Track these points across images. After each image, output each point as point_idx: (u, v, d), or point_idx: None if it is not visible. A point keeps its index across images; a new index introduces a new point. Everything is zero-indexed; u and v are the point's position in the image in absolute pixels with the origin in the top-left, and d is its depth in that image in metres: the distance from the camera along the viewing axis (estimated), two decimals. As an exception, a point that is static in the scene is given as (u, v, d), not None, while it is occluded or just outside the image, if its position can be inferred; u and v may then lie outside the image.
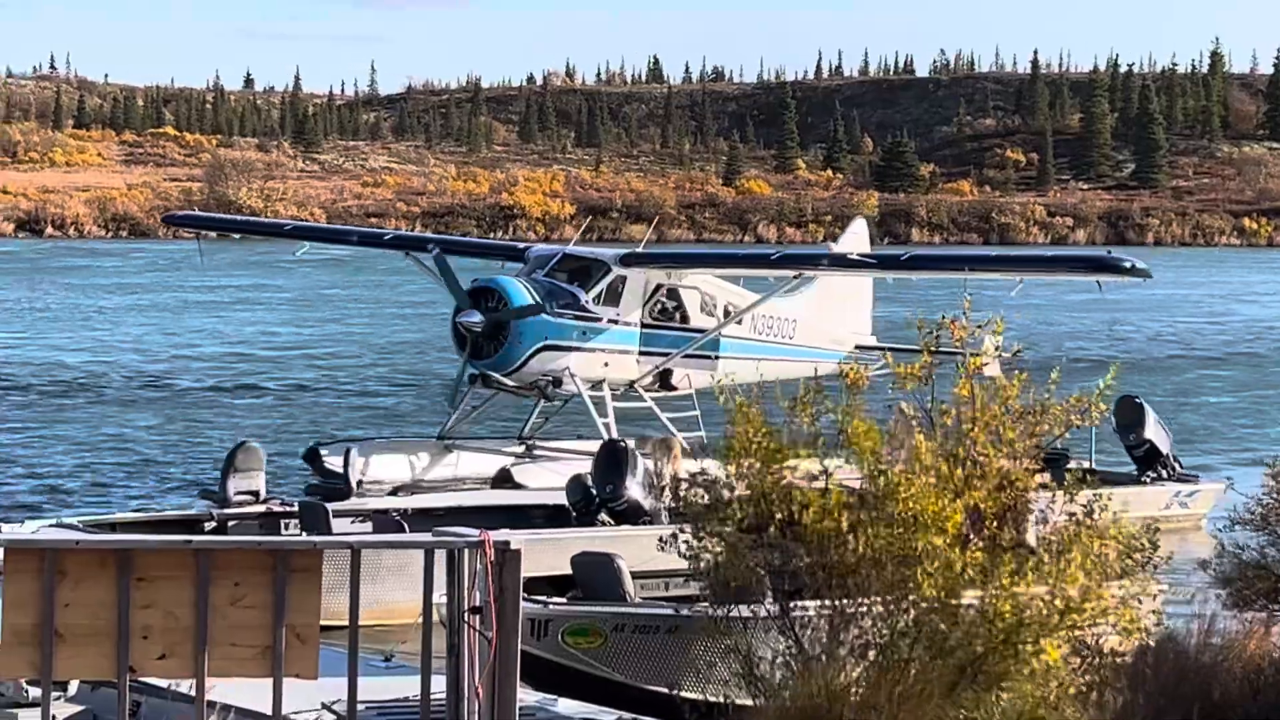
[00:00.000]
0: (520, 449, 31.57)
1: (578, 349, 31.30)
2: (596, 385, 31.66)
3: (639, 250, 33.81)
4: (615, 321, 31.96)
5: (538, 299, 30.52)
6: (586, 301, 31.52)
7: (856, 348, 35.48)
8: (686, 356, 32.63)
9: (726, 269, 34.40)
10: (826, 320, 36.05)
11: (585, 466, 29.46)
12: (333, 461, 29.55)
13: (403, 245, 36.93)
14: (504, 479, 29.40)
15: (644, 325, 32.42)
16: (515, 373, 30.78)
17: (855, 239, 38.07)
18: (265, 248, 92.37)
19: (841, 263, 33.54)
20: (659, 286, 32.71)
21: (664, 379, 32.76)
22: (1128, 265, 30.10)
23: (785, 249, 35.38)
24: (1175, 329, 74.70)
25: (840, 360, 34.60)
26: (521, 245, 35.43)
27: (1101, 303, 54.63)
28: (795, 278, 32.84)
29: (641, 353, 32.42)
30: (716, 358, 33.34)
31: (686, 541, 15.17)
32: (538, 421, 32.47)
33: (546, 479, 28.87)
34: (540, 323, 30.54)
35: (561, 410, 33.03)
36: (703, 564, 15.18)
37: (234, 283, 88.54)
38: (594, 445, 31.70)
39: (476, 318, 30.24)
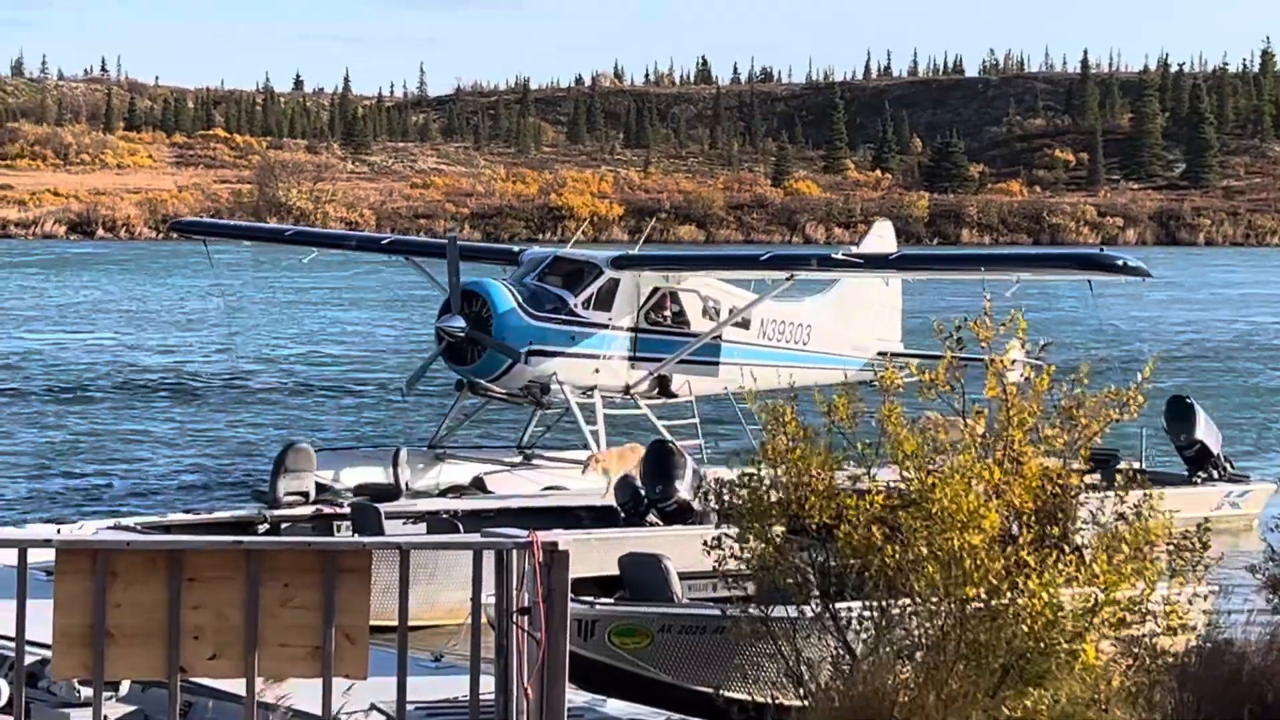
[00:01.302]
0: (518, 458, 31.07)
1: (565, 354, 30.59)
2: (588, 392, 30.97)
3: (631, 253, 33.02)
4: (607, 326, 31.22)
5: (522, 304, 29.88)
6: (575, 305, 30.81)
7: (879, 354, 34.59)
8: (686, 362, 31.85)
9: (715, 270, 33.48)
10: (846, 326, 35.28)
11: (564, 475, 29.10)
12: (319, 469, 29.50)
13: (400, 250, 36.45)
14: (478, 486, 28.78)
15: (639, 330, 31.65)
16: (499, 379, 30.16)
17: (879, 241, 37.48)
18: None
19: (829, 263, 32.46)
20: (656, 290, 31.96)
21: (662, 385, 32.02)
22: (1120, 264, 29.25)
23: (774, 250, 34.37)
24: (1237, 329, 74.47)
25: (861, 367, 34.16)
26: (517, 248, 34.75)
27: (1163, 301, 54.28)
28: (789, 279, 31.89)
29: (637, 358, 31.68)
30: (720, 364, 32.60)
31: (727, 542, 15.18)
32: (537, 430, 31.93)
33: (519, 487, 28.52)
34: (525, 328, 29.90)
35: (565, 418, 32.34)
36: (746, 565, 15.20)
37: (301, 283, 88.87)
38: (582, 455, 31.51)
39: (458, 323, 29.64)
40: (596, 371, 31.07)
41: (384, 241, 39.69)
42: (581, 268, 31.48)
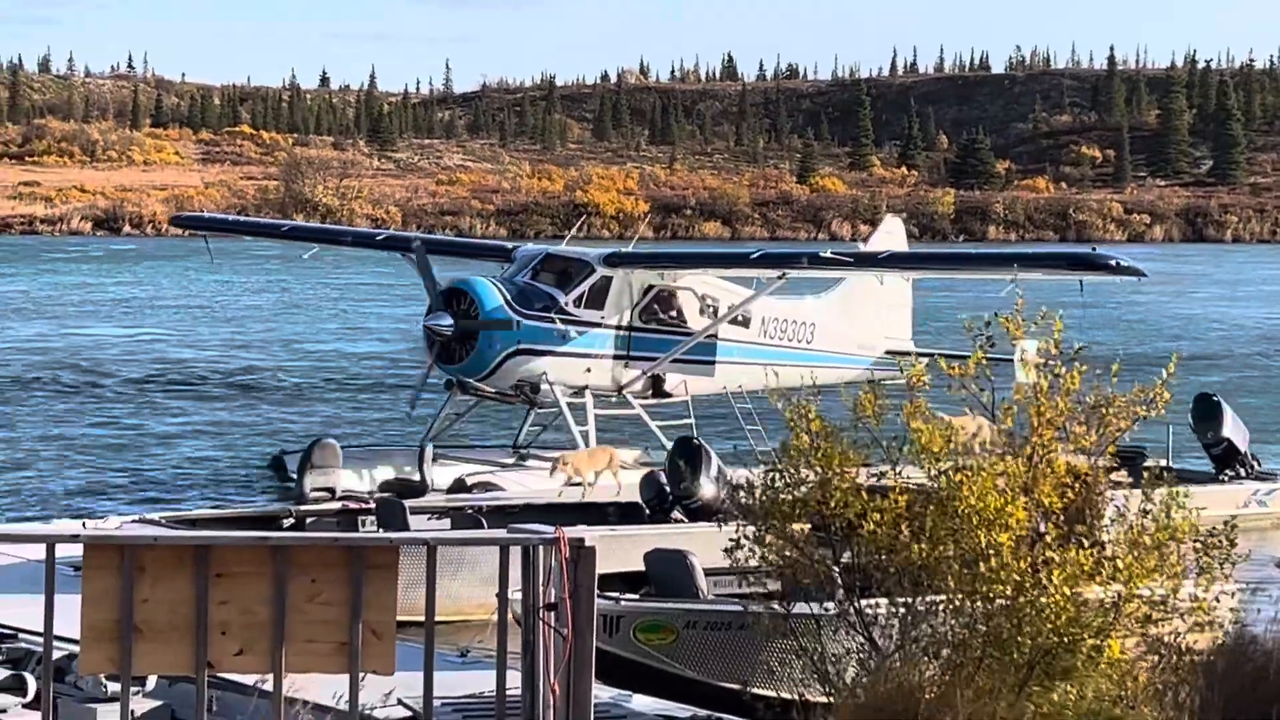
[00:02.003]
0: (511, 459, 30.78)
1: (554, 353, 30.16)
2: (580, 391, 30.54)
3: (624, 250, 32.53)
4: (598, 324, 30.74)
5: (510, 301, 29.47)
6: (566, 303, 30.35)
7: (888, 353, 34.37)
8: (682, 361, 31.36)
9: (707, 268, 32.74)
10: (852, 324, 34.73)
11: (542, 478, 28.46)
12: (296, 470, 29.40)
13: (395, 246, 36.08)
14: (459, 488, 28.24)
15: (633, 329, 31.13)
16: (488, 378, 29.80)
17: (888, 238, 36.85)
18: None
19: (819, 262, 31.45)
20: (650, 288, 31.42)
21: (655, 385, 31.52)
22: (1113, 263, 28.67)
23: (766, 248, 33.55)
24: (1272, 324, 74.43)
25: (868, 366, 33.77)
26: (510, 245, 34.26)
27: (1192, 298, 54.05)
28: (780, 278, 31.29)
29: (631, 358, 31.19)
30: (717, 362, 32.08)
31: (745, 539, 15.18)
32: (533, 430, 31.53)
33: (508, 488, 28.11)
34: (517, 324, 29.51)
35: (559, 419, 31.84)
36: (770, 562, 15.20)
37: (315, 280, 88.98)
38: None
39: (446, 321, 29.30)
40: (588, 371, 30.64)
41: (379, 238, 39.11)
42: (573, 265, 30.99)
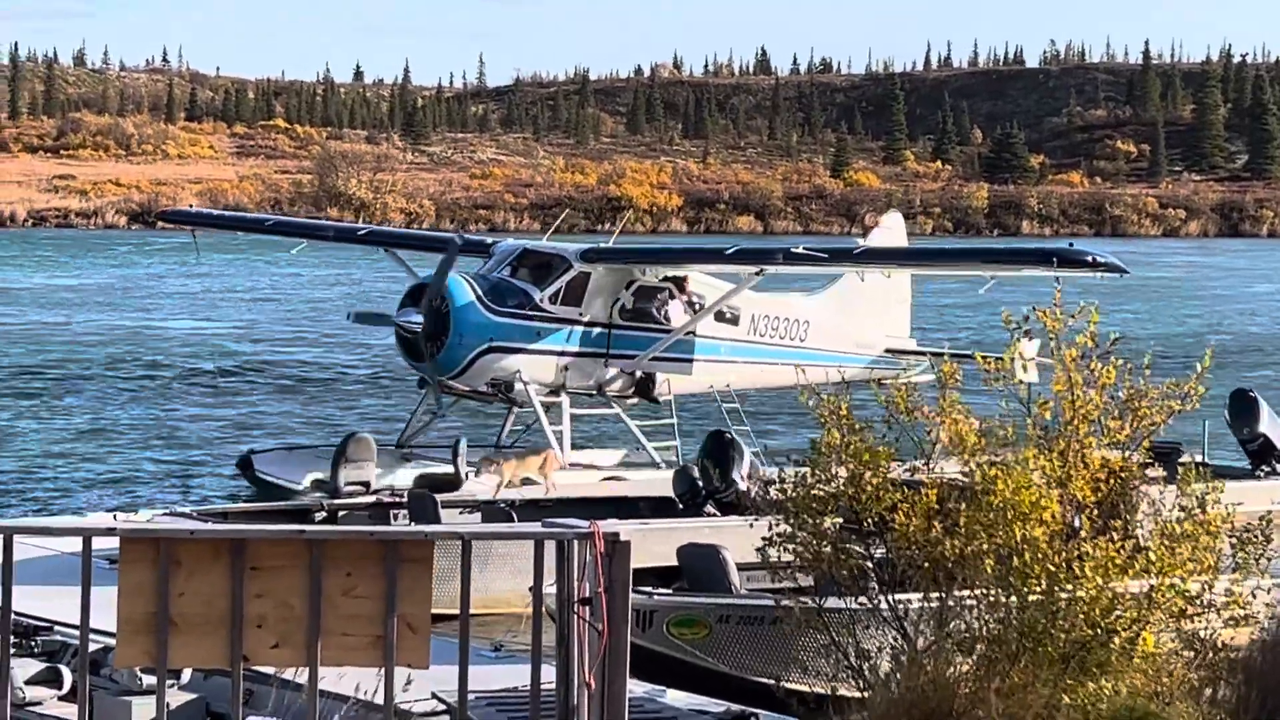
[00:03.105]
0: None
1: (528, 351, 29.43)
2: (557, 391, 29.84)
3: (601, 245, 31.69)
4: (576, 322, 29.99)
5: (482, 297, 28.80)
6: (541, 300, 29.61)
7: (887, 351, 33.85)
8: (665, 360, 30.51)
9: (682, 264, 31.75)
10: (849, 322, 33.94)
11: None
12: (265, 470, 29.21)
13: (377, 240, 35.64)
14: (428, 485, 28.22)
15: (613, 326, 30.31)
16: (459, 376, 29.11)
17: (888, 234, 36.04)
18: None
19: (793, 258, 30.30)
20: (631, 284, 30.63)
21: (643, 387, 30.70)
22: (1089, 259, 27.84)
23: (741, 243, 32.39)
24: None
25: (866, 365, 33.03)
26: (490, 240, 33.23)
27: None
28: (757, 273, 30.43)
29: (611, 356, 30.36)
30: (702, 361, 31.13)
31: (778, 535, 15.18)
32: (516, 429, 30.83)
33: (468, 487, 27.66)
34: (484, 323, 28.88)
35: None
36: (802, 557, 15.20)
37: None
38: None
39: (415, 317, 28.63)
40: (565, 369, 29.88)
41: (360, 232, 38.48)
42: (550, 261, 30.21)
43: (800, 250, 30.19)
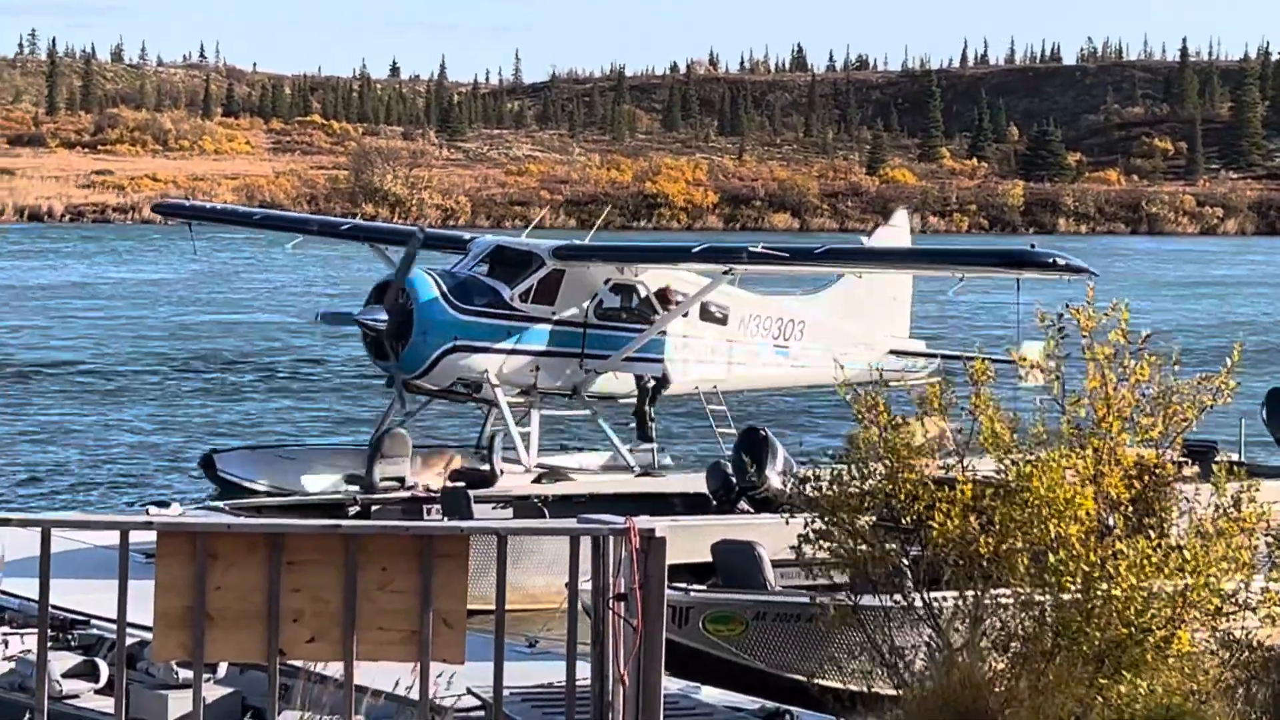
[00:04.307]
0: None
1: (495, 350, 28.58)
2: (528, 392, 29.05)
3: (575, 242, 30.80)
4: (548, 321, 29.12)
5: (447, 294, 28.00)
6: (511, 298, 28.79)
7: (890, 352, 33.09)
8: (636, 360, 29.55)
9: (655, 263, 30.62)
10: (848, 321, 33.20)
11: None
12: (228, 471, 28.91)
13: (359, 235, 34.71)
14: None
15: (589, 325, 29.43)
16: (423, 376, 28.34)
17: (894, 232, 35.48)
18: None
19: (756, 258, 29.22)
20: (608, 282, 29.78)
21: (642, 389, 29.67)
22: (1049, 261, 27.04)
23: (709, 242, 31.50)
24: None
25: (870, 365, 32.95)
26: (467, 236, 32.23)
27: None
28: (726, 273, 29.46)
29: (587, 355, 29.47)
30: (684, 360, 30.14)
31: (814, 532, 15.17)
32: (496, 429, 29.47)
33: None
34: (448, 321, 28.11)
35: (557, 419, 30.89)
36: (836, 554, 15.20)
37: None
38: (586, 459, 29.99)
39: (379, 314, 27.89)
40: (536, 370, 29.03)
41: (343, 227, 37.02)
42: (522, 258, 29.37)
43: (760, 249, 29.22)
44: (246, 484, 28.47)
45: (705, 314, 30.74)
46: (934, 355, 34.59)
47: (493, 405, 29.17)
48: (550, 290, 29.15)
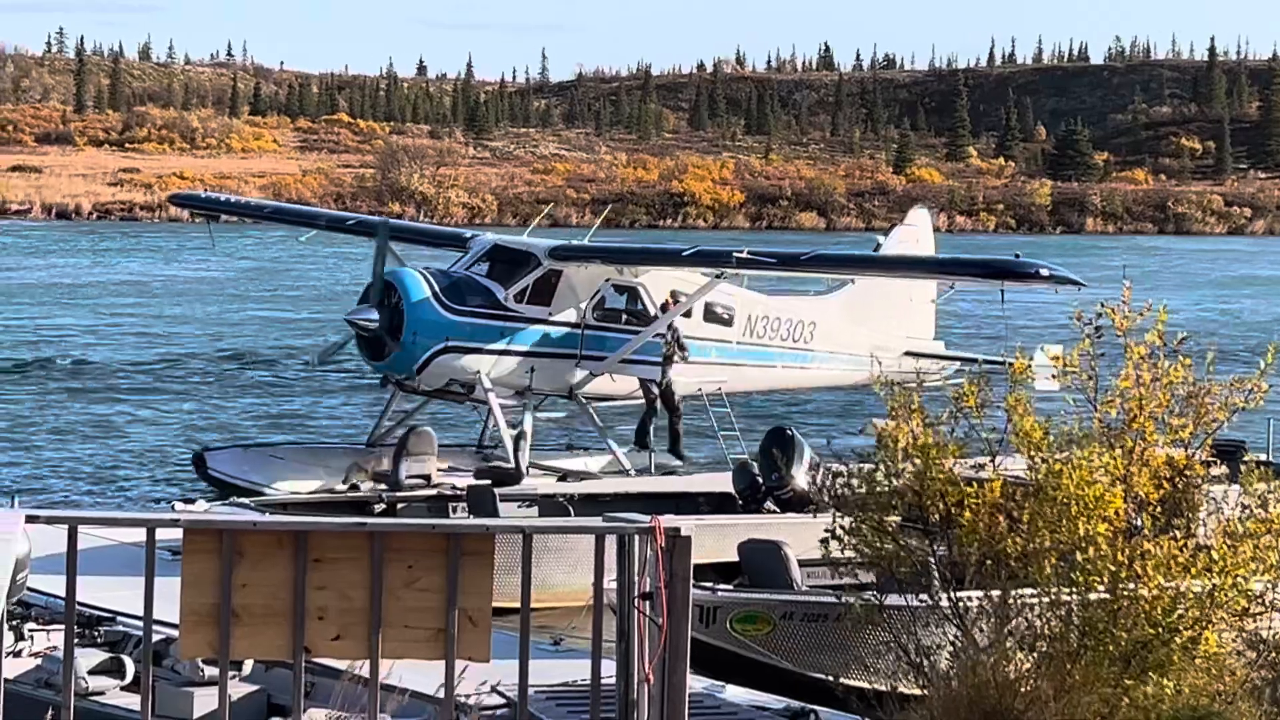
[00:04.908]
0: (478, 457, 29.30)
1: (489, 351, 28.39)
2: (522, 393, 28.84)
3: (573, 243, 30.55)
4: (544, 321, 28.94)
5: (438, 295, 27.85)
6: (505, 298, 28.61)
7: (906, 354, 32.75)
8: (633, 362, 29.33)
9: (650, 265, 30.35)
10: (862, 324, 32.99)
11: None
12: (218, 469, 28.91)
13: (363, 230, 34.37)
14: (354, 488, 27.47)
15: (586, 326, 29.21)
16: (415, 377, 28.23)
17: (912, 231, 35.22)
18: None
19: (744, 263, 28.96)
20: (607, 282, 29.59)
21: (648, 392, 29.38)
22: (1032, 272, 26.86)
23: (699, 246, 31.60)
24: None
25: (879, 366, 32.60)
26: (468, 234, 32.10)
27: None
28: (719, 276, 29.26)
29: (584, 357, 29.24)
30: (689, 363, 29.76)
31: (842, 529, 15.16)
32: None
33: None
34: (440, 322, 27.95)
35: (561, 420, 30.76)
36: (864, 554, 15.18)
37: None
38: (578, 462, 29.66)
39: (368, 315, 27.79)
40: (531, 371, 28.84)
41: (350, 222, 37.06)
42: (518, 258, 29.17)
43: (745, 254, 28.99)
44: (236, 482, 28.47)
45: (710, 315, 30.59)
46: (952, 358, 34.37)
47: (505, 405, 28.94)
48: (547, 291, 28.96)
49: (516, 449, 27.52)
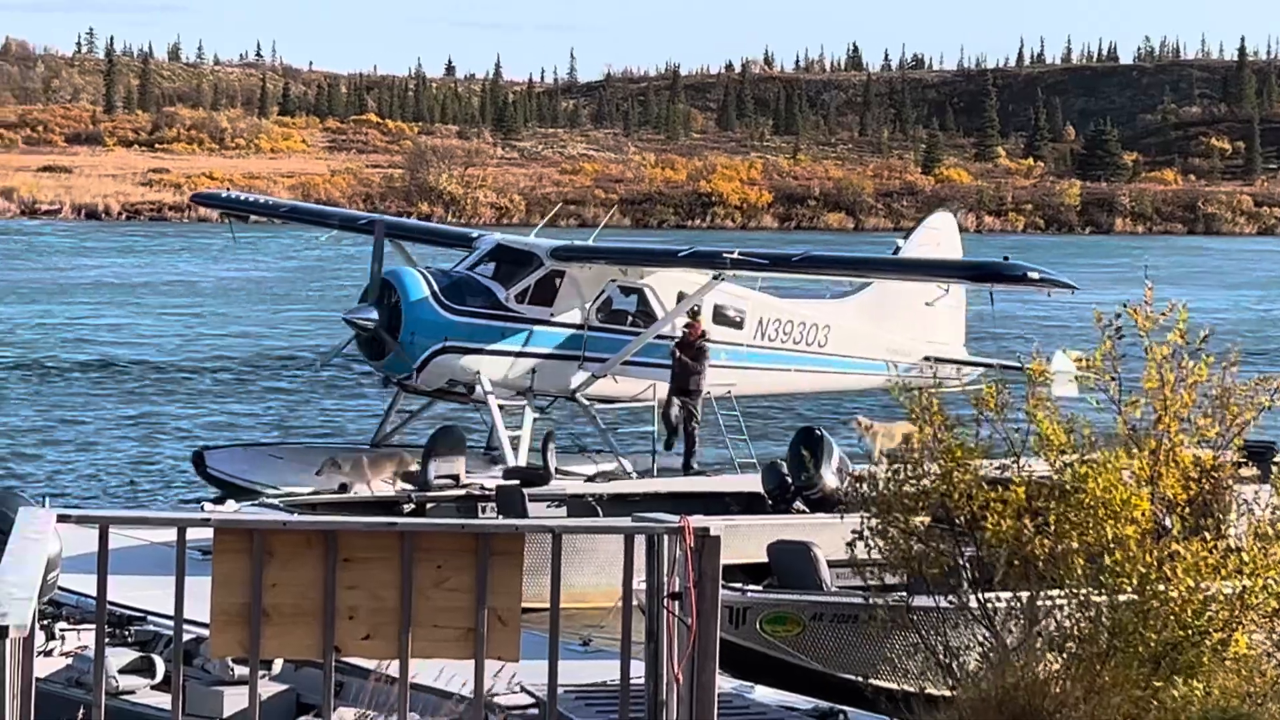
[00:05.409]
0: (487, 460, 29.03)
1: (488, 351, 28.25)
2: (523, 394, 28.60)
3: (576, 243, 30.35)
4: (546, 322, 28.75)
5: (438, 295, 27.69)
6: (506, 299, 28.45)
7: (926, 359, 32.54)
8: (635, 364, 29.12)
9: (653, 265, 30.09)
10: (880, 327, 32.65)
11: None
12: (218, 468, 28.89)
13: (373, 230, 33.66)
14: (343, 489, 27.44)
15: (590, 328, 29.03)
16: (414, 377, 28.10)
17: (932, 235, 34.50)
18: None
19: (737, 264, 28.79)
20: (612, 284, 29.41)
21: (686, 392, 28.89)
22: (1020, 275, 26.61)
23: (695, 246, 31.61)
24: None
25: (900, 372, 31.33)
26: (475, 234, 31.92)
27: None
28: (715, 278, 28.96)
29: (587, 358, 29.03)
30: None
31: (869, 530, 15.16)
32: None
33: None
34: (439, 322, 27.84)
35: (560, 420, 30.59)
36: (893, 555, 15.17)
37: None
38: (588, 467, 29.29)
39: (368, 314, 27.69)
40: (532, 372, 28.66)
41: (362, 221, 36.59)
42: (521, 258, 28.98)
43: (736, 255, 28.77)
44: (235, 481, 28.49)
45: (720, 317, 30.38)
46: (973, 363, 33.99)
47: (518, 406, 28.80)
48: (549, 291, 28.79)
49: (545, 449, 27.52)
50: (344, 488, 27.00)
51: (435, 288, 28.00)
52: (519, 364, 28.54)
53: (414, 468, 27.14)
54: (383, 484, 26.84)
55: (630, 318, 29.63)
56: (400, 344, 27.70)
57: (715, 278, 29.13)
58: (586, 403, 29.65)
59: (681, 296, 29.64)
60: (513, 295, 28.57)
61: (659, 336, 29.32)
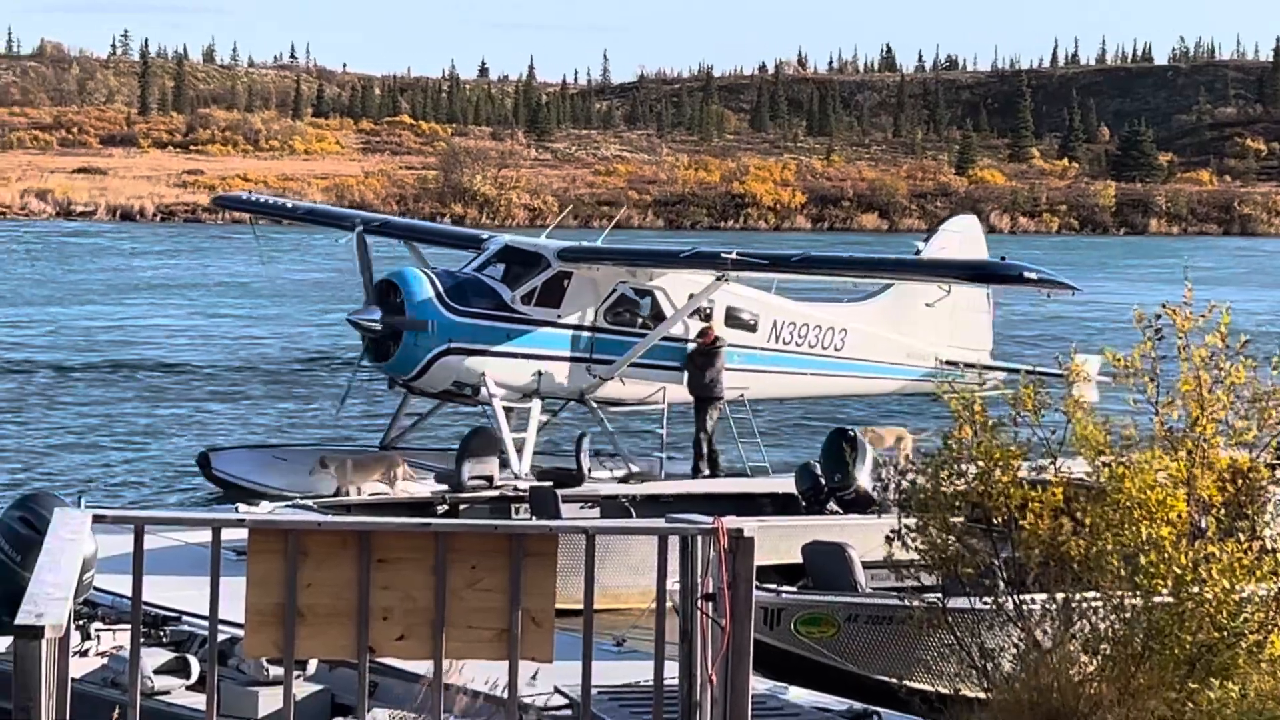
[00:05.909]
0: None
1: (493, 353, 28.03)
2: (529, 396, 28.44)
3: (583, 244, 30.10)
4: (552, 324, 28.53)
5: (442, 295, 27.53)
6: (512, 300, 28.23)
7: (946, 363, 32.02)
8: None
9: (661, 267, 29.79)
10: (900, 331, 32.40)
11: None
12: (223, 470, 28.85)
13: (394, 233, 34.09)
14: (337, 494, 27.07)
15: (598, 329, 28.78)
16: (417, 379, 27.91)
17: (953, 239, 33.85)
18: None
19: (738, 264, 28.41)
20: (623, 284, 29.19)
21: (704, 391, 28.69)
22: (1016, 274, 26.24)
23: (697, 247, 31.31)
24: None
25: (918, 377, 31.63)
26: (484, 235, 31.50)
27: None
28: (720, 279, 28.70)
29: (594, 360, 28.81)
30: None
31: (907, 528, 15.15)
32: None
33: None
34: (442, 323, 27.65)
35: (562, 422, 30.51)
36: (929, 556, 15.16)
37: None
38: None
39: (372, 315, 27.56)
40: (538, 374, 28.45)
41: (375, 224, 37.35)
42: (528, 259, 28.78)
43: (735, 256, 28.50)
44: (240, 483, 28.49)
45: (732, 320, 30.24)
46: (995, 368, 33.62)
47: (529, 408, 28.62)
48: (556, 292, 28.66)
49: (579, 451, 27.50)
50: (341, 492, 27.01)
51: (440, 288, 27.91)
52: (525, 366, 28.42)
53: (401, 470, 27.08)
54: (371, 487, 26.69)
55: (640, 320, 29.50)
56: (403, 344, 27.58)
57: (718, 278, 28.93)
58: (595, 405, 29.51)
59: (692, 299, 29.56)
60: (519, 296, 28.43)
61: (667, 338, 29.17)
